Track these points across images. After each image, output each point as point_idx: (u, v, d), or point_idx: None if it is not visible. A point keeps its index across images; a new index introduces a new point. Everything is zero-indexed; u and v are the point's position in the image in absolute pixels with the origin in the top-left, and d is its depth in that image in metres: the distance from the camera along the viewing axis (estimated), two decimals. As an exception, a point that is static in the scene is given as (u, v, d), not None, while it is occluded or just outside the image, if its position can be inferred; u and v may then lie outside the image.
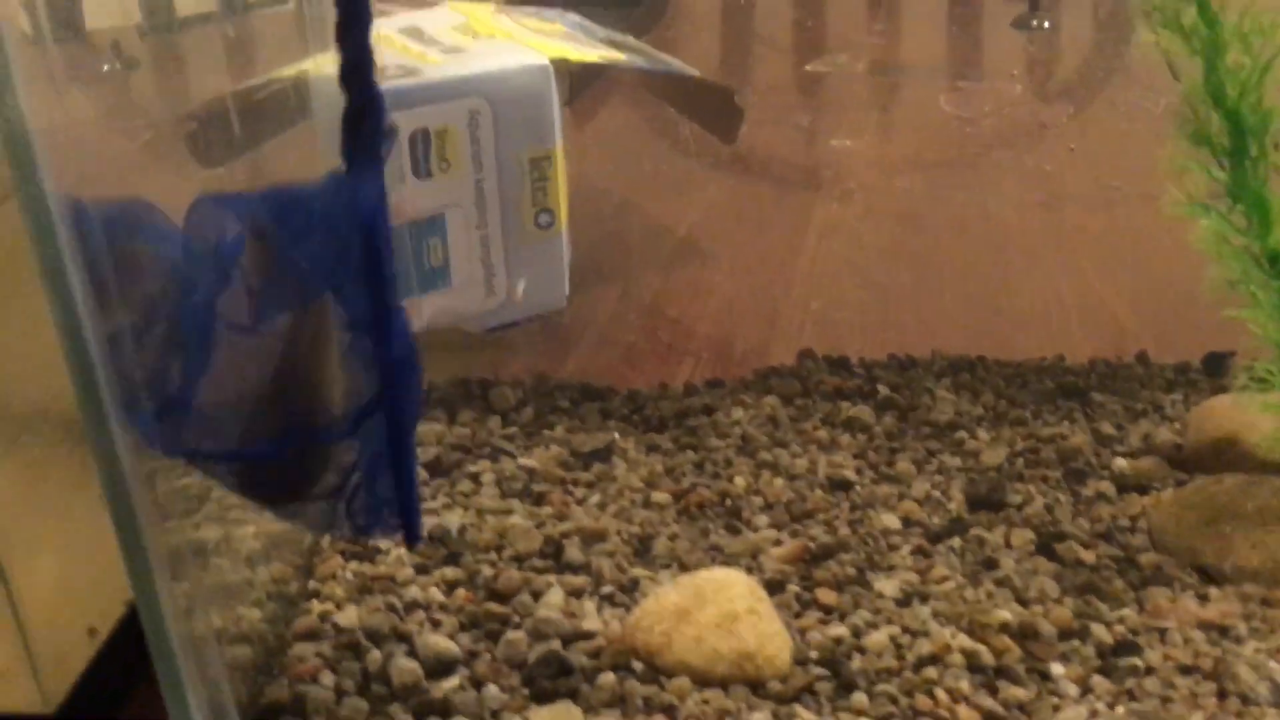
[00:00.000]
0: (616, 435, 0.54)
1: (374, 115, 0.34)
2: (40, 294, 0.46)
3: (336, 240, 0.33)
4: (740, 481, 0.50)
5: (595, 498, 0.50)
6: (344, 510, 0.36)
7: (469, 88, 0.67)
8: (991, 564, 0.45)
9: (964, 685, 0.39)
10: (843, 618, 0.43)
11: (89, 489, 0.48)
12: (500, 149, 0.68)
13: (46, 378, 0.47)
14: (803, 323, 0.71)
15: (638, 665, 0.41)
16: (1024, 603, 0.43)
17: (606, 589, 0.45)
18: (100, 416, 0.31)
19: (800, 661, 0.41)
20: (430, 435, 0.55)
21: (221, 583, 0.43)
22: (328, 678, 0.41)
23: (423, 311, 0.67)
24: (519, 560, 0.46)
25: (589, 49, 0.75)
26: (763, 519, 0.49)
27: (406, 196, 0.66)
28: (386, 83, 0.69)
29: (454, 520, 0.49)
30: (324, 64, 0.64)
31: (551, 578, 0.45)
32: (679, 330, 0.72)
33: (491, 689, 0.41)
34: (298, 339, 0.34)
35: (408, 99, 0.66)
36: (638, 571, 0.45)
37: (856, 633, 0.42)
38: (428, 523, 0.49)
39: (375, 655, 0.42)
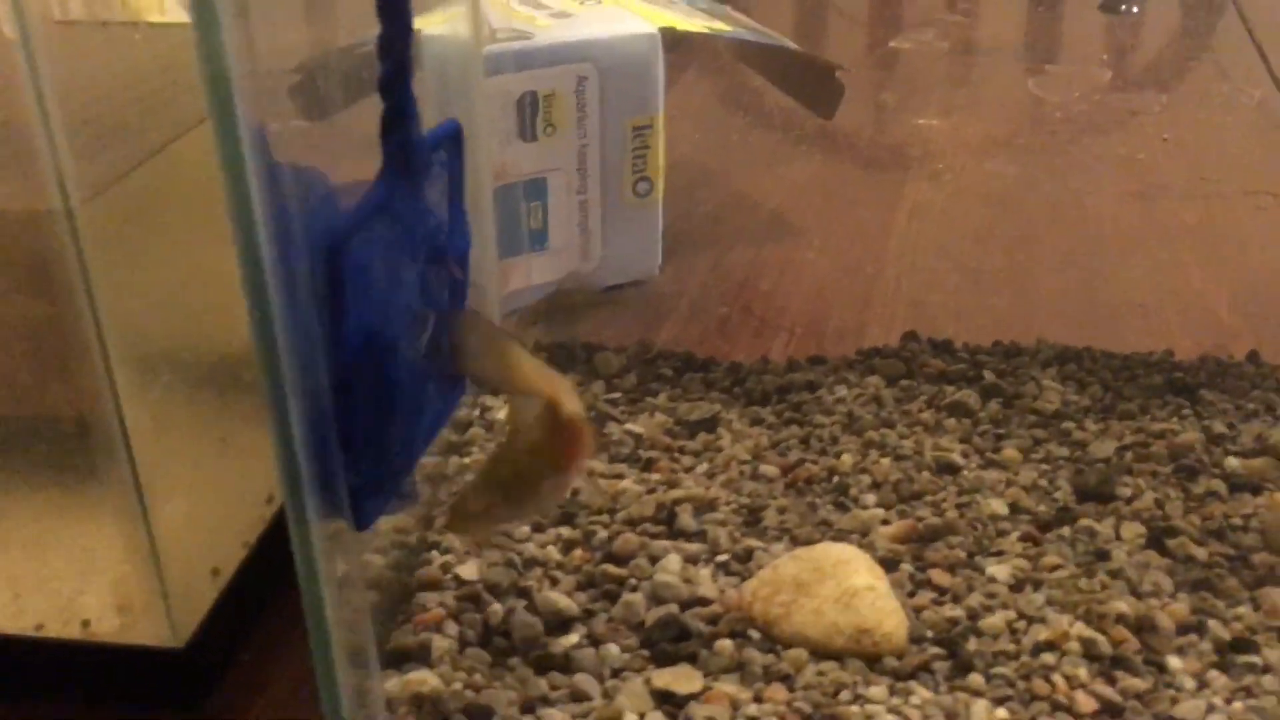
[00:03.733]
0: (720, 406, 0.55)
1: (405, 126, 0.34)
2: (188, 235, 0.47)
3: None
4: (847, 459, 0.51)
5: (703, 467, 0.51)
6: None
7: (578, 53, 0.67)
8: (1104, 555, 0.45)
9: (1082, 673, 0.40)
10: (957, 599, 0.43)
11: (214, 434, 0.50)
12: (605, 115, 0.69)
13: (186, 320, 0.49)
14: (895, 304, 0.71)
15: (754, 634, 0.42)
16: (1139, 595, 0.43)
17: (722, 557, 0.45)
18: (275, 363, 0.32)
19: (916, 640, 0.42)
20: (538, 396, 0.56)
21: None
22: (451, 627, 0.42)
23: (530, 272, 0.68)
24: (633, 524, 0.47)
25: (694, 19, 0.75)
26: (870, 497, 0.49)
27: (511, 158, 0.67)
28: (497, 45, 0.70)
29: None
30: (431, 22, 0.65)
31: (667, 543, 0.46)
32: (771, 305, 0.73)
33: (612, 648, 0.41)
34: None
35: (518, 62, 0.66)
36: (751, 542, 0.46)
37: (972, 615, 0.42)
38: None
39: (496, 608, 0.43)
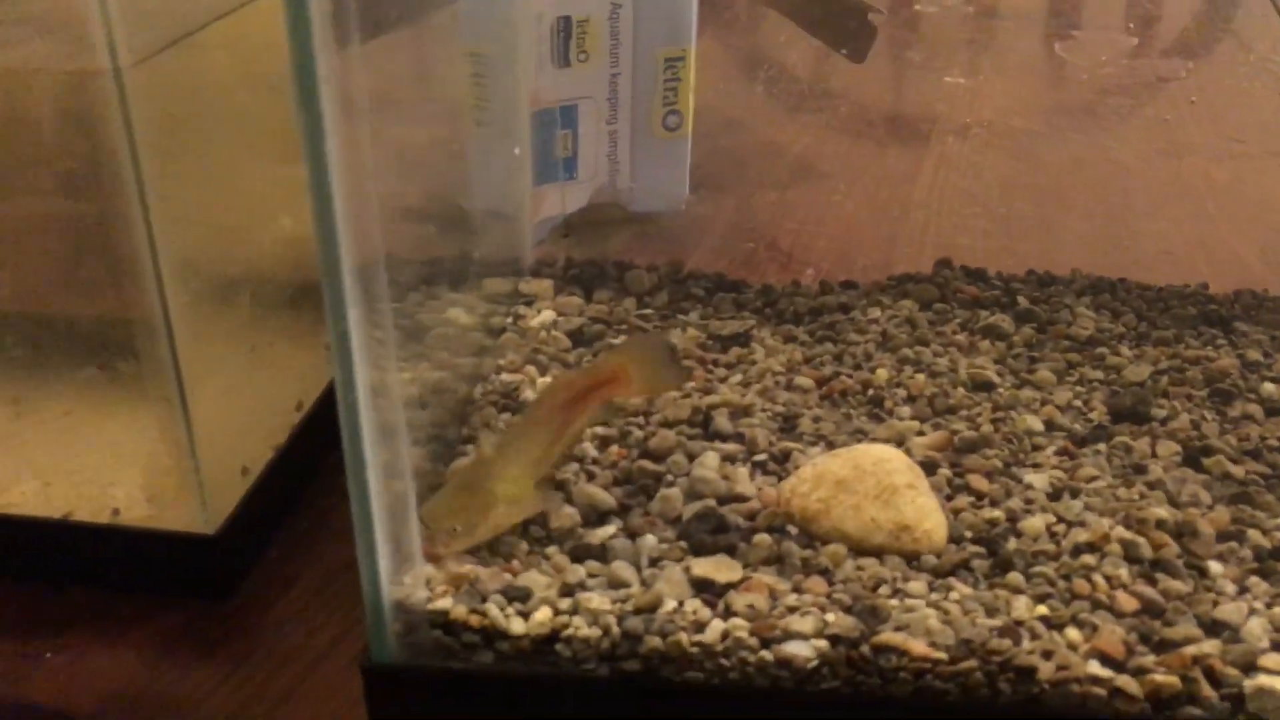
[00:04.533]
0: (754, 322, 0.55)
1: None
2: (227, 154, 0.47)
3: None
4: (882, 373, 0.51)
5: (737, 377, 0.51)
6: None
7: (613, -22, 0.67)
8: (1141, 469, 0.45)
9: (1123, 573, 0.40)
10: (995, 504, 0.43)
11: (246, 341, 0.50)
12: (638, 45, 0.68)
13: (233, 235, 0.49)
14: (923, 244, 0.71)
15: (792, 529, 0.42)
16: (1177, 505, 0.43)
17: (759, 457, 0.45)
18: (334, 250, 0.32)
19: (955, 540, 0.41)
20: (570, 306, 0.56)
21: (388, 421, 0.44)
22: (487, 516, 0.42)
23: (563, 199, 0.68)
24: (669, 425, 0.47)
25: (730, -47, 0.75)
26: (905, 410, 0.49)
27: (545, 84, 0.66)
28: (533, -34, 0.69)
29: (601, 385, 0.49)
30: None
31: (704, 443, 0.45)
32: (798, 242, 0.73)
33: (649, 539, 0.41)
34: None
35: (554, -17, 0.66)
36: (788, 444, 0.46)
37: (1011, 517, 0.42)
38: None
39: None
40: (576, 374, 0.46)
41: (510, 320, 0.55)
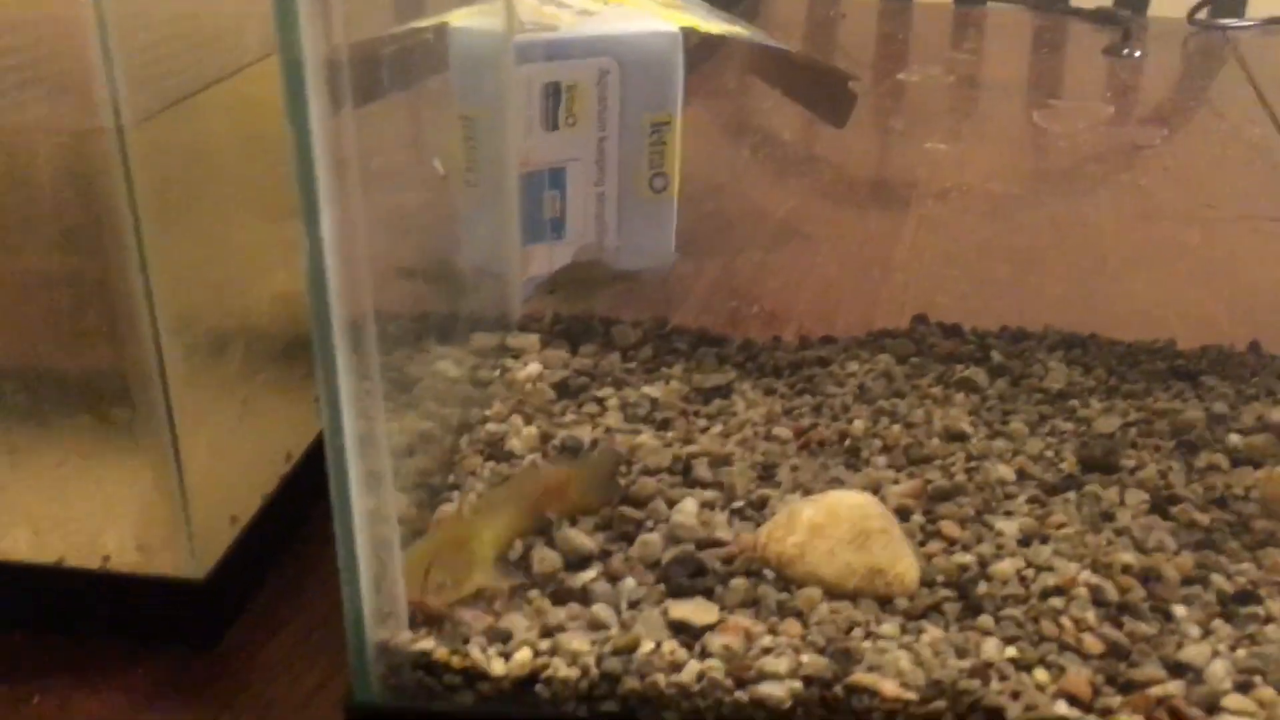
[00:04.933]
0: (735, 376, 0.56)
1: None
2: (224, 211, 0.48)
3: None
4: (859, 424, 0.52)
5: (718, 428, 0.52)
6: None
7: (602, 47, 0.69)
8: (1109, 516, 0.46)
9: (1090, 616, 0.41)
10: (966, 549, 0.44)
11: (237, 392, 0.51)
12: (625, 110, 0.71)
13: (229, 287, 0.50)
14: (904, 304, 0.73)
15: (769, 573, 0.43)
16: (1144, 551, 0.44)
17: (738, 504, 0.46)
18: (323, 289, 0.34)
19: (927, 583, 0.42)
20: (556, 360, 0.57)
21: (371, 469, 0.45)
22: (472, 560, 0.43)
23: (551, 259, 0.69)
24: (650, 473, 0.48)
25: (713, 21, 0.77)
26: (881, 459, 0.50)
27: (534, 145, 0.68)
28: (524, 36, 0.72)
29: (585, 434, 0.50)
30: (463, 17, 0.67)
31: (684, 490, 0.47)
32: (781, 300, 0.74)
33: (629, 582, 0.42)
34: None
35: (543, 52, 0.68)
36: (766, 491, 0.47)
37: (982, 562, 0.43)
38: (559, 435, 0.51)
39: (516, 545, 0.44)
40: (538, 474, 0.47)
41: (498, 373, 0.56)
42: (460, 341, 0.56)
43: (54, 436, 0.48)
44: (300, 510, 0.53)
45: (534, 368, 0.56)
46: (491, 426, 0.52)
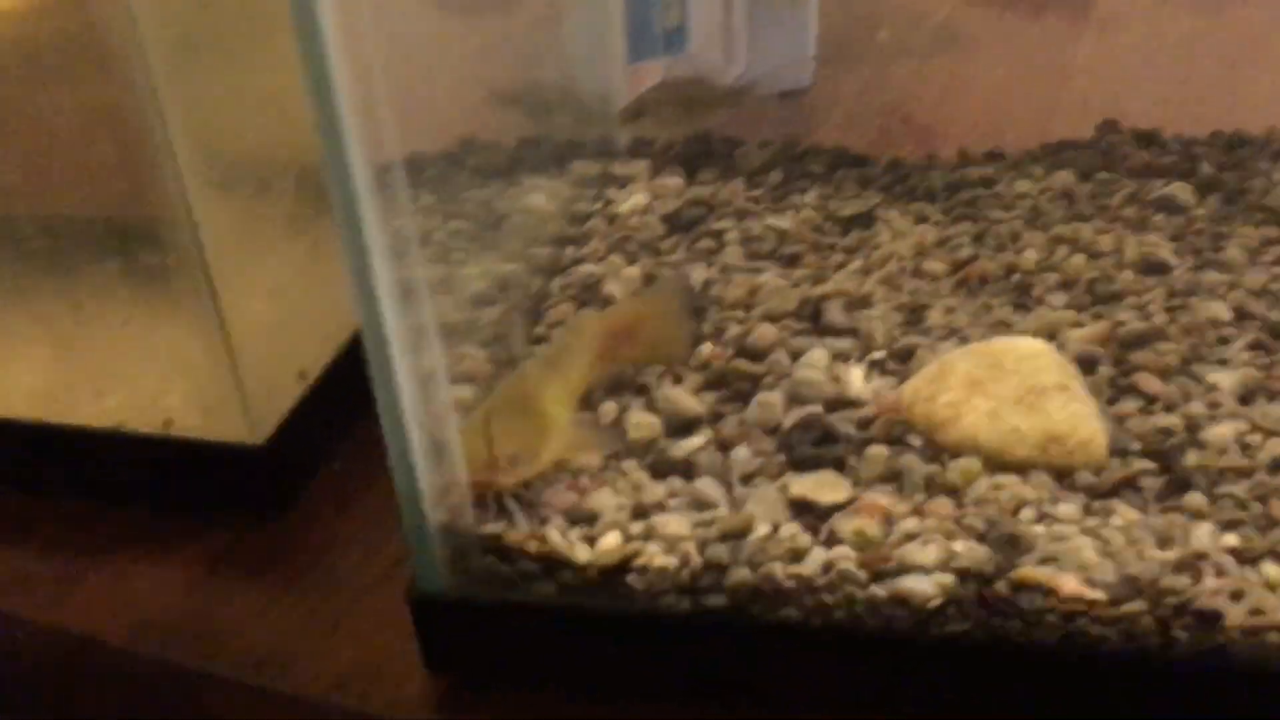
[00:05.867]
0: (880, 200, 0.47)
1: None
2: (263, 47, 0.42)
3: None
4: (1030, 256, 0.43)
5: (856, 263, 0.44)
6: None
7: None
8: (1360, 365, 0.37)
9: (1337, 494, 0.32)
10: (1170, 408, 0.35)
11: (303, 239, 0.45)
12: (755, -108, 0.60)
13: (266, 123, 0.44)
14: (1086, 112, 0.62)
15: (915, 440, 0.35)
16: None
17: (877, 354, 0.38)
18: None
19: (1119, 452, 0.34)
20: (668, 189, 0.49)
21: (448, 321, 0.38)
22: (555, 425, 0.36)
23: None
24: (772, 319, 0.40)
25: None
26: (1059, 298, 0.41)
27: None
28: None
29: (698, 274, 0.43)
30: None
31: (812, 339, 0.39)
32: (938, 114, 0.64)
33: (742, 451, 0.35)
34: None
35: None
36: (912, 339, 0.39)
37: (1191, 425, 0.34)
38: (665, 274, 0.43)
39: (610, 406, 0.37)
40: (599, 315, 0.41)
41: (599, 205, 0.49)
42: (553, 171, 0.48)
43: (113, 294, 0.45)
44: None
45: (640, 198, 0.48)
46: (587, 268, 0.44)
